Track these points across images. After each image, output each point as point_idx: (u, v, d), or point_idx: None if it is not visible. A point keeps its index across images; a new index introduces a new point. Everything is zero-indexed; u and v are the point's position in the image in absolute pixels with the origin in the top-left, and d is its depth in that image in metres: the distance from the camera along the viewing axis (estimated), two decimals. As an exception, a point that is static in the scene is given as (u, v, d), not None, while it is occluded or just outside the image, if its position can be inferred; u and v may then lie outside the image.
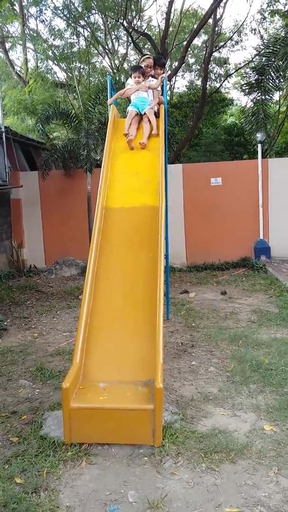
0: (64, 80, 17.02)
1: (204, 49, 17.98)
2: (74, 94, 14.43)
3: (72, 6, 14.98)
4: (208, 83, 16.94)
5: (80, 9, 14.99)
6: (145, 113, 5.93)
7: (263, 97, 10.20)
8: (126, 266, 4.54)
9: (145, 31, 17.57)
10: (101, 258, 4.55)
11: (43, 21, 16.35)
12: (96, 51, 17.62)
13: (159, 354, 3.50)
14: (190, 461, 3.05)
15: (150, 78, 6.31)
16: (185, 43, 16.46)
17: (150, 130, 5.82)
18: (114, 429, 3.24)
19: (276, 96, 14.76)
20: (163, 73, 6.56)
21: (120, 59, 18.73)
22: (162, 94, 6.32)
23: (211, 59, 16.98)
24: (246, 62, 17.85)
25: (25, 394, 4.22)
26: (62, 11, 15.08)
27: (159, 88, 6.41)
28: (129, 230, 4.88)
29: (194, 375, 4.48)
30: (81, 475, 2.96)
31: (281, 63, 9.64)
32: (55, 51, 15.55)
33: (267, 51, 10.22)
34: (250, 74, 10.92)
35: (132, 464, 3.07)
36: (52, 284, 9.09)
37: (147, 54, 6.90)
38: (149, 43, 16.53)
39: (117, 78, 14.21)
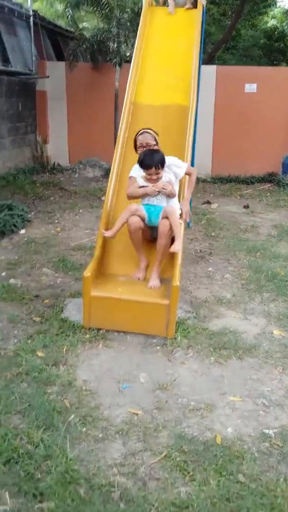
0: None
1: None
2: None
3: None
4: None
5: None
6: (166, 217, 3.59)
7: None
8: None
9: None
10: (126, 159, 4.45)
11: None
12: None
13: (178, 256, 3.58)
14: (199, 354, 3.25)
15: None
16: None
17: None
18: (131, 319, 3.42)
19: None
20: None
21: None
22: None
23: None
24: None
25: (48, 282, 4.42)
26: None
27: None
28: (156, 129, 4.72)
29: (209, 280, 4.59)
30: (98, 355, 3.19)
31: None
32: None
33: None
34: None
35: (145, 351, 3.28)
36: (75, 183, 9.06)
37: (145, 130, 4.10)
38: None
39: None
